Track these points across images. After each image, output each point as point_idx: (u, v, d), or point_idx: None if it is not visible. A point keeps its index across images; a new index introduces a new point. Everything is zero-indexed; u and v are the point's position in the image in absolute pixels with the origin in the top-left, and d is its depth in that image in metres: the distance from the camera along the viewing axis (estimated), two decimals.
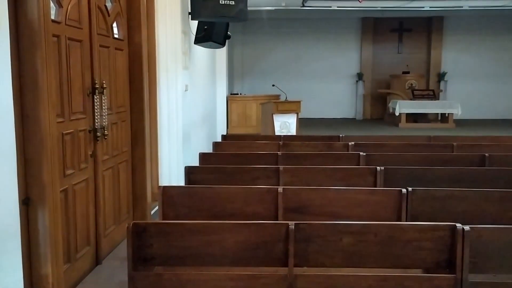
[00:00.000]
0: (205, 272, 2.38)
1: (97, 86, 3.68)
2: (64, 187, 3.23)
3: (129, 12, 4.38)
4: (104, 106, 3.78)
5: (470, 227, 2.30)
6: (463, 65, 14.08)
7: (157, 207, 4.14)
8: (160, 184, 4.73)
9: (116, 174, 4.16)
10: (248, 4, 5.66)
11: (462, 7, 11.11)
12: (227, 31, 6.18)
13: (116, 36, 4.20)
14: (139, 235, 2.33)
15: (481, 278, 2.34)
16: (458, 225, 2.31)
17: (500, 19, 13.53)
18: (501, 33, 13.92)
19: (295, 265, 2.34)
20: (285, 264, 2.35)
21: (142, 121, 4.46)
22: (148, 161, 4.60)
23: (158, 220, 3.24)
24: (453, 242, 2.31)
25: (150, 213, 4.67)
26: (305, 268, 2.39)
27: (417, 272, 2.46)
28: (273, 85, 9.29)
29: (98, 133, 3.71)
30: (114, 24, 4.18)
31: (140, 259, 2.36)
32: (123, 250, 3.92)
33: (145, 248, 2.35)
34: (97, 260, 3.79)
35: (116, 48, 4.14)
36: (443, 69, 14.13)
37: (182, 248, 2.35)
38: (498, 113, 13.92)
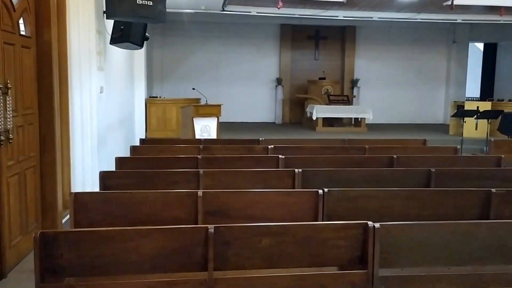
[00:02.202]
0: (120, 281, 2.28)
1: (0, 86, 3.40)
2: None
3: (37, 8, 4.11)
4: (9, 107, 3.50)
5: (380, 224, 2.43)
6: (374, 73, 14.95)
7: (69, 215, 3.92)
8: (72, 191, 4.47)
9: (23, 180, 3.88)
10: (167, 6, 5.56)
11: (372, 18, 11.80)
12: (145, 32, 6.02)
13: (22, 33, 3.93)
14: (48, 245, 2.18)
15: (390, 272, 2.48)
16: (370, 223, 2.43)
17: (406, 30, 14.58)
18: (406, 44, 15.00)
19: (215, 269, 2.32)
20: (204, 268, 2.32)
21: (52, 124, 4.20)
22: (59, 166, 4.34)
23: (69, 228, 3.05)
24: (365, 239, 2.43)
25: (62, 221, 4.40)
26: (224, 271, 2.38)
27: (332, 270, 2.54)
28: (194, 89, 9.22)
29: (1, 136, 3.43)
30: (21, 21, 3.90)
31: (49, 270, 2.21)
32: (31, 262, 3.65)
33: (54, 259, 2.20)
34: (2, 274, 3.51)
35: (22, 46, 3.87)
36: (356, 76, 14.90)
37: (96, 257, 2.24)
38: (404, 117, 14.95)
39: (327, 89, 13.52)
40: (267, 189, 3.48)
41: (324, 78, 13.90)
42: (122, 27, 5.64)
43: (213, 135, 8.13)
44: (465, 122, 10.02)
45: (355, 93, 14.59)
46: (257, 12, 11.05)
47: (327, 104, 12.68)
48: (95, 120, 5.21)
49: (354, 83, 14.79)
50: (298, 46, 14.77)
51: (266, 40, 14.64)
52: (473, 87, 16.67)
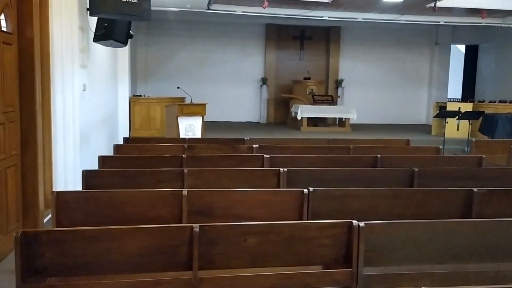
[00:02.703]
0: (103, 281, 2.25)
1: None
2: None
3: (19, 4, 4.04)
4: None
5: (364, 223, 2.44)
6: (358, 73, 15.06)
7: (50, 215, 3.86)
8: (54, 190, 4.41)
9: (3, 179, 3.81)
10: (152, 4, 5.52)
11: (357, 18, 11.88)
12: (130, 30, 5.95)
13: (4, 29, 3.85)
14: (29, 245, 2.14)
15: (374, 271, 2.50)
16: (354, 221, 2.44)
17: (390, 32, 14.73)
18: (390, 45, 15.15)
19: (200, 268, 2.31)
20: (189, 267, 2.31)
21: (34, 122, 4.12)
22: (41, 165, 4.27)
23: (51, 228, 3.00)
24: (350, 238, 2.44)
25: (43, 221, 4.33)
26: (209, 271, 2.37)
27: (317, 268, 2.55)
28: (178, 87, 9.17)
29: None
30: (2, 17, 3.83)
31: (30, 270, 2.17)
32: (11, 262, 3.59)
33: (36, 259, 2.16)
34: None
35: (4, 42, 3.80)
36: (340, 76, 14.99)
37: (78, 257, 2.20)
38: (388, 118, 15.10)
39: (312, 89, 13.57)
40: (252, 188, 3.47)
41: (309, 78, 13.94)
42: (105, 24, 5.57)
43: (198, 134, 8.10)
44: (447, 122, 10.16)
45: (339, 93, 14.67)
46: (242, 12, 11.04)
47: (311, 104, 12.73)
48: (77, 118, 5.14)
49: (338, 83, 14.87)
50: (283, 46, 14.79)
51: (251, 39, 14.64)
52: (454, 89, 16.91)
